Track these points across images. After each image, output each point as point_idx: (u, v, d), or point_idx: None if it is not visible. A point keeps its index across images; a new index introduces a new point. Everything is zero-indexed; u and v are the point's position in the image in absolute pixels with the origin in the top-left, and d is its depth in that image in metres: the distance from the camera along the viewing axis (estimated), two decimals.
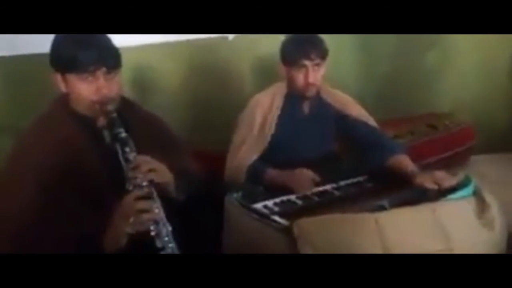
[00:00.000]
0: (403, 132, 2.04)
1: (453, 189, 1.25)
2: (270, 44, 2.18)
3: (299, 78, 1.49)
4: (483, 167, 2.01)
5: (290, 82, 1.54)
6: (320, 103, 1.60)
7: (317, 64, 1.48)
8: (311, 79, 1.48)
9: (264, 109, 1.57)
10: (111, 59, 1.11)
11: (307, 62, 1.47)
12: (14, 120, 1.91)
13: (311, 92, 1.52)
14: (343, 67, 2.29)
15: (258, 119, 1.56)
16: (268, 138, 1.53)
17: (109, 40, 1.14)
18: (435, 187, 1.27)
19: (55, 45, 1.11)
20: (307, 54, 1.46)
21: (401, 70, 2.40)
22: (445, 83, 2.44)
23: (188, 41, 2.19)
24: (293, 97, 1.57)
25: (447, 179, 1.27)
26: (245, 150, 1.52)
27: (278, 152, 1.53)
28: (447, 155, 2.03)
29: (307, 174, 1.39)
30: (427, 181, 1.28)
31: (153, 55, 2.19)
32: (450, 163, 1.97)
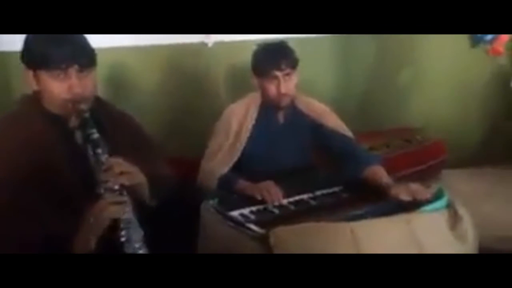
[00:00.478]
0: (378, 145, 2.07)
1: (427, 201, 1.27)
2: (249, 51, 2.20)
3: (271, 88, 1.49)
4: (455, 181, 2.06)
5: (263, 93, 1.54)
6: (295, 113, 1.60)
7: (288, 74, 1.48)
8: (283, 90, 1.48)
9: (239, 118, 1.56)
10: (85, 57, 1.08)
11: (277, 73, 1.47)
12: None
13: (285, 102, 1.52)
14: (320, 81, 2.32)
15: (234, 127, 1.55)
16: (242, 148, 1.52)
17: (83, 38, 1.11)
18: (410, 198, 1.28)
19: (27, 42, 1.07)
20: (277, 65, 1.46)
21: (376, 85, 2.45)
22: (419, 99, 2.51)
23: (168, 45, 2.17)
24: (268, 107, 1.57)
25: (422, 191, 1.28)
26: (219, 158, 1.51)
27: (253, 162, 1.52)
28: (420, 168, 2.07)
29: (272, 186, 1.37)
30: (402, 192, 1.29)
31: (131, 58, 2.15)
32: (423, 176, 2.01)
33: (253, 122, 1.55)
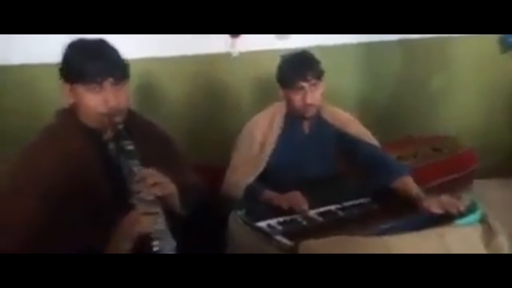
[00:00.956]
0: (406, 154, 2.03)
1: (460, 215, 1.23)
2: (273, 61, 2.20)
3: (297, 99, 1.49)
4: (487, 191, 2.00)
5: (289, 103, 1.54)
6: (320, 122, 1.59)
7: (314, 85, 1.48)
8: (309, 100, 1.47)
9: (264, 129, 1.56)
10: (119, 70, 1.11)
11: (304, 84, 1.47)
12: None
13: (311, 112, 1.52)
14: (347, 88, 2.30)
15: (258, 138, 1.55)
16: (267, 158, 1.52)
17: (116, 52, 1.14)
18: (442, 211, 1.25)
19: (64, 56, 1.11)
20: (304, 76, 1.46)
21: (405, 92, 2.41)
22: (449, 107, 2.45)
23: (193, 55, 2.20)
24: (293, 117, 1.56)
25: (454, 204, 1.25)
26: (245, 169, 1.51)
27: (278, 172, 1.52)
28: (450, 179, 2.02)
29: (299, 196, 1.36)
30: (433, 205, 1.26)
31: (158, 68, 2.20)
32: (453, 187, 1.96)
33: (278, 132, 1.55)
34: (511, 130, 2.51)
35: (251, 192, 1.45)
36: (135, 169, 1.05)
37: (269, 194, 1.43)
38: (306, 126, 1.58)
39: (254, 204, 1.41)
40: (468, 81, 2.43)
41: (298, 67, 1.48)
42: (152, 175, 1.05)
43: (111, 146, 1.17)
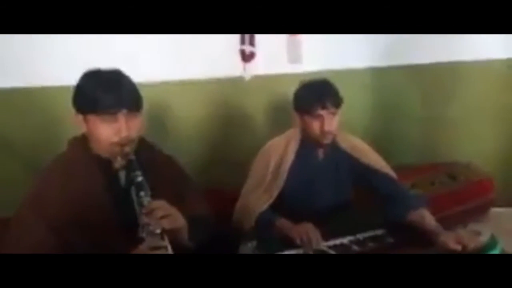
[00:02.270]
0: (421, 181, 1.98)
1: (479, 251, 1.19)
2: (285, 84, 2.20)
3: (315, 126, 1.48)
4: (505, 221, 1.93)
5: (305, 130, 1.52)
6: (335, 150, 1.57)
7: (332, 113, 1.47)
8: (327, 128, 1.46)
9: (278, 154, 1.55)
10: (133, 101, 1.12)
11: (322, 112, 1.46)
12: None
13: (327, 140, 1.50)
14: (357, 113, 2.28)
15: (272, 165, 1.53)
16: (281, 185, 1.50)
17: (131, 83, 1.15)
18: (459, 248, 1.21)
19: (78, 86, 1.12)
20: (323, 104, 1.45)
21: (417, 119, 2.38)
22: (464, 133, 2.40)
23: (205, 79, 2.21)
24: (308, 144, 1.55)
25: (472, 240, 1.21)
26: (258, 196, 1.49)
27: (291, 199, 1.49)
28: (466, 208, 1.96)
29: (312, 230, 1.33)
30: (451, 241, 1.22)
31: (169, 92, 2.21)
32: (469, 216, 1.90)
33: (293, 158, 1.53)
34: None
35: (264, 219, 1.43)
36: (144, 200, 1.04)
37: (282, 223, 1.40)
38: (321, 153, 1.56)
39: (266, 233, 1.39)
40: (482, 107, 2.38)
41: (318, 94, 1.47)
42: (161, 207, 1.04)
43: (122, 176, 1.16)
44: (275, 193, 1.49)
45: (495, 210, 2.08)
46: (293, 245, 1.30)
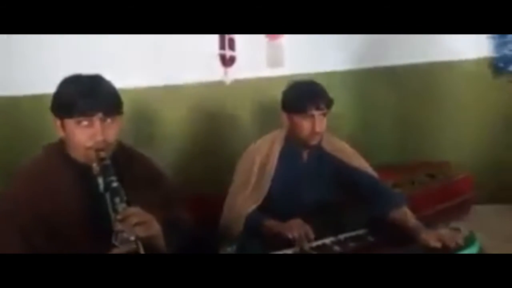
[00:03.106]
0: (402, 181, 2.00)
1: (458, 248, 1.21)
2: (267, 88, 2.22)
3: (305, 126, 1.47)
4: (485, 218, 1.96)
5: (293, 130, 1.51)
6: (319, 152, 1.57)
7: (323, 114, 1.47)
8: (318, 128, 1.46)
9: (262, 156, 1.54)
10: (110, 105, 1.10)
11: (315, 112, 1.45)
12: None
13: (315, 140, 1.50)
14: (341, 115, 2.29)
15: (257, 166, 1.52)
16: (268, 185, 1.49)
17: (111, 88, 1.14)
18: (439, 245, 1.22)
19: (56, 92, 1.11)
20: (317, 104, 1.45)
21: (398, 119, 2.41)
22: (444, 133, 2.44)
23: (186, 84, 2.20)
24: (292, 146, 1.55)
25: (452, 237, 1.23)
26: (244, 200, 1.48)
27: (276, 201, 1.48)
28: (446, 206, 1.99)
29: (303, 225, 1.33)
30: (431, 238, 1.24)
31: (150, 97, 2.19)
32: (450, 214, 1.93)
33: (277, 159, 1.52)
34: (507, 154, 2.48)
35: (252, 221, 1.42)
36: (119, 207, 1.01)
37: (271, 222, 1.40)
38: (305, 155, 1.56)
39: (255, 234, 1.38)
40: (458, 105, 2.43)
41: (311, 94, 1.47)
42: (135, 214, 1.01)
43: (100, 181, 1.13)
44: (262, 195, 1.48)
45: (475, 207, 2.11)
46: (274, 247, 1.29)
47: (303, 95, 1.47)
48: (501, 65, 2.42)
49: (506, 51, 2.40)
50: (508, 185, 2.37)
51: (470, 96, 2.41)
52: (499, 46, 2.41)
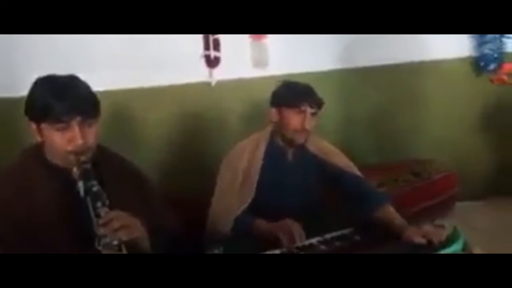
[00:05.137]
0: (386, 179, 2.01)
1: (442, 244, 1.21)
2: (252, 88, 2.21)
3: (296, 121, 1.48)
4: (469, 214, 1.99)
5: (283, 125, 1.51)
6: (304, 152, 1.57)
7: (313, 113, 1.49)
8: (307, 125, 1.47)
9: (247, 157, 1.53)
10: (88, 108, 1.07)
11: (308, 109, 1.47)
12: None
13: (301, 139, 1.51)
14: (325, 115, 2.30)
15: (242, 168, 1.51)
16: (254, 187, 1.49)
17: (87, 88, 1.10)
18: (424, 241, 1.23)
19: (30, 94, 1.07)
20: (309, 101, 1.47)
21: (380, 118, 2.43)
22: (427, 131, 2.47)
23: (171, 86, 2.19)
24: (277, 145, 1.55)
25: (436, 234, 1.24)
26: (231, 202, 1.47)
27: (262, 202, 1.47)
28: (430, 203, 2.01)
29: (295, 225, 1.33)
30: (415, 235, 1.25)
31: (135, 99, 2.17)
32: (434, 211, 1.95)
33: (262, 159, 1.52)
34: (490, 151, 2.53)
35: (241, 222, 1.42)
36: (101, 211, 0.99)
37: (260, 223, 1.40)
38: (290, 155, 1.57)
39: (245, 235, 1.37)
40: (444, 105, 2.46)
41: (304, 92, 1.50)
42: (118, 218, 0.99)
43: (80, 185, 1.11)
44: (249, 196, 1.47)
45: (459, 204, 2.14)
46: (261, 248, 1.28)
47: (298, 91, 1.50)
48: (482, 64, 2.46)
49: (486, 51, 2.44)
50: (489, 182, 2.42)
51: (451, 95, 2.45)
52: (479, 46, 2.45)
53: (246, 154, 1.53)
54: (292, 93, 1.50)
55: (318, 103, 1.50)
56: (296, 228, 1.32)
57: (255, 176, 1.50)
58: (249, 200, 1.47)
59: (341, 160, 1.58)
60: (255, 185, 1.49)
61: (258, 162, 1.52)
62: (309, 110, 1.47)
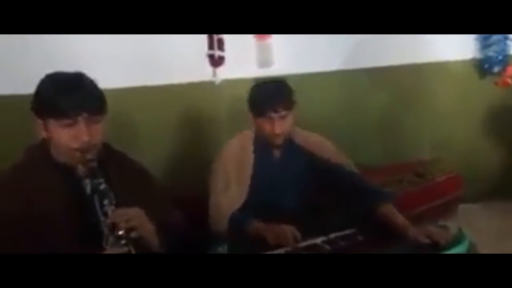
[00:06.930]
0: (392, 180, 2.01)
1: (447, 245, 1.21)
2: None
3: (266, 127, 1.47)
4: (473, 216, 1.99)
5: (258, 131, 1.52)
6: (291, 147, 1.55)
7: (283, 116, 1.45)
8: (277, 130, 1.45)
9: (236, 157, 1.53)
10: (94, 105, 1.07)
11: (273, 115, 1.44)
12: None
13: (278, 141, 1.50)
14: (328, 116, 2.30)
15: (234, 166, 1.51)
16: (248, 185, 1.48)
17: (94, 85, 1.10)
18: (429, 241, 1.22)
19: (38, 90, 1.07)
20: (273, 107, 1.44)
21: (384, 119, 2.42)
22: (432, 133, 2.46)
23: (176, 84, 2.19)
24: (262, 144, 1.54)
25: (441, 235, 1.23)
26: (227, 200, 1.46)
27: (256, 201, 1.47)
28: (434, 205, 2.00)
29: (289, 230, 1.31)
30: (420, 235, 1.24)
31: (140, 98, 2.18)
32: (438, 213, 1.94)
33: (252, 158, 1.52)
34: (494, 154, 2.52)
35: (236, 224, 1.40)
36: (108, 209, 0.99)
37: (255, 225, 1.38)
38: (276, 152, 1.55)
39: (239, 236, 1.36)
40: (450, 107, 2.46)
41: (269, 97, 1.45)
42: (125, 216, 0.99)
43: (87, 183, 1.11)
44: (244, 194, 1.47)
45: (463, 206, 2.14)
46: (263, 248, 1.28)
47: (261, 98, 1.47)
48: (486, 66, 2.45)
49: (490, 53, 2.44)
50: (493, 184, 2.41)
51: (456, 97, 2.44)
52: (484, 48, 2.45)
53: (235, 154, 1.53)
54: (260, 99, 1.47)
55: (286, 105, 1.45)
56: (290, 231, 1.30)
57: (248, 174, 1.49)
58: (244, 198, 1.46)
59: (333, 153, 1.55)
60: (248, 183, 1.48)
61: (249, 162, 1.51)
62: (275, 115, 1.44)
